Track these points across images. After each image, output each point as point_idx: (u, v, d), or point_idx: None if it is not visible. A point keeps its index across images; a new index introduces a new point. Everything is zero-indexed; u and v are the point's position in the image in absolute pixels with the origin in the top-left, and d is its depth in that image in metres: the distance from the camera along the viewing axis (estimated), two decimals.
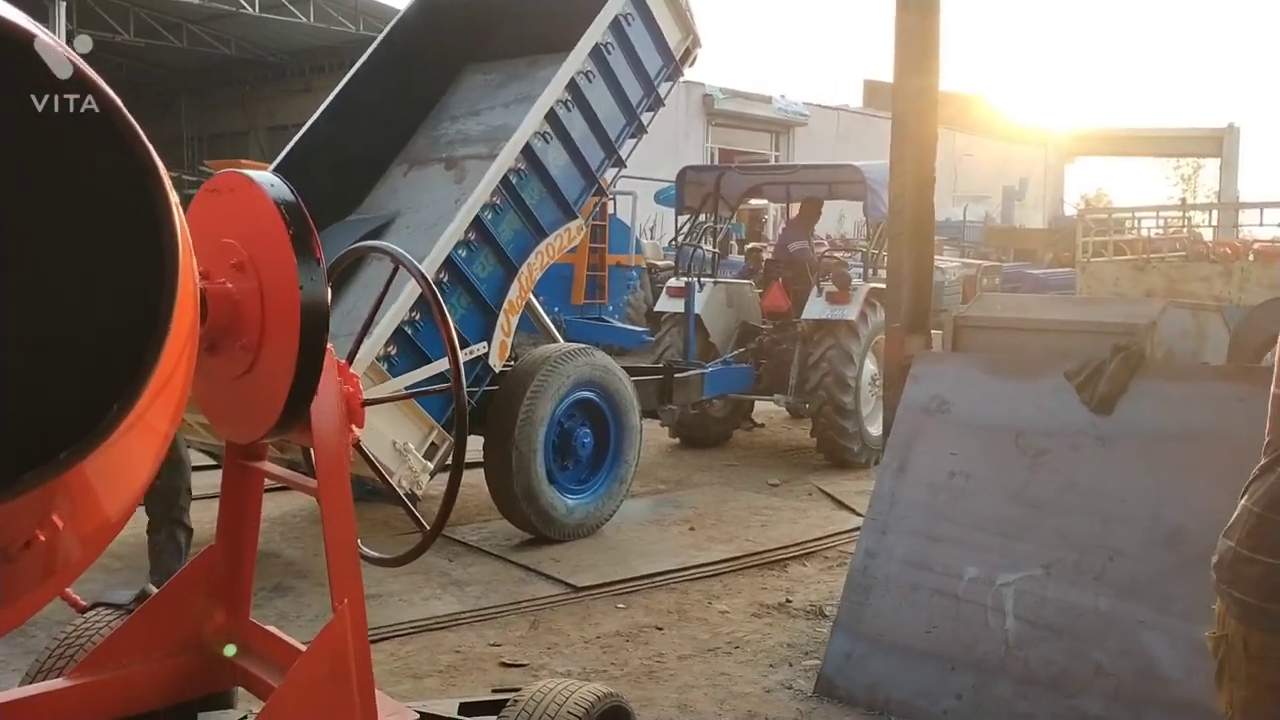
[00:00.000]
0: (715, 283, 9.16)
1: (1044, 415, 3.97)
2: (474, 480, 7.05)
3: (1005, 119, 34.74)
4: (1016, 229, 29.75)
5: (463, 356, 5.52)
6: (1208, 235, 17.25)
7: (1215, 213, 20.83)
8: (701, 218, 9.74)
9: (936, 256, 13.16)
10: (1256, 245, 15.77)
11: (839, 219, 22.81)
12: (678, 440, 9.24)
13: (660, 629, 4.83)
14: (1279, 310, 4.74)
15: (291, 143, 6.77)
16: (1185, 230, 16.15)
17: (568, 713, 2.33)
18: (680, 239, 9.90)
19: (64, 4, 18.10)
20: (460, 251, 5.70)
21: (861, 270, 9.25)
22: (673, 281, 9.26)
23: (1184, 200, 31.60)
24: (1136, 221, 15.72)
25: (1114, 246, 14.06)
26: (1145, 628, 3.38)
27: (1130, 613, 3.43)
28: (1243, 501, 1.92)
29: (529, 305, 6.52)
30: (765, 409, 10.30)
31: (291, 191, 2.22)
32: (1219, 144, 36.05)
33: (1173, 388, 3.71)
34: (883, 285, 8.98)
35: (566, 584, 5.40)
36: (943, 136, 5.26)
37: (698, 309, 8.73)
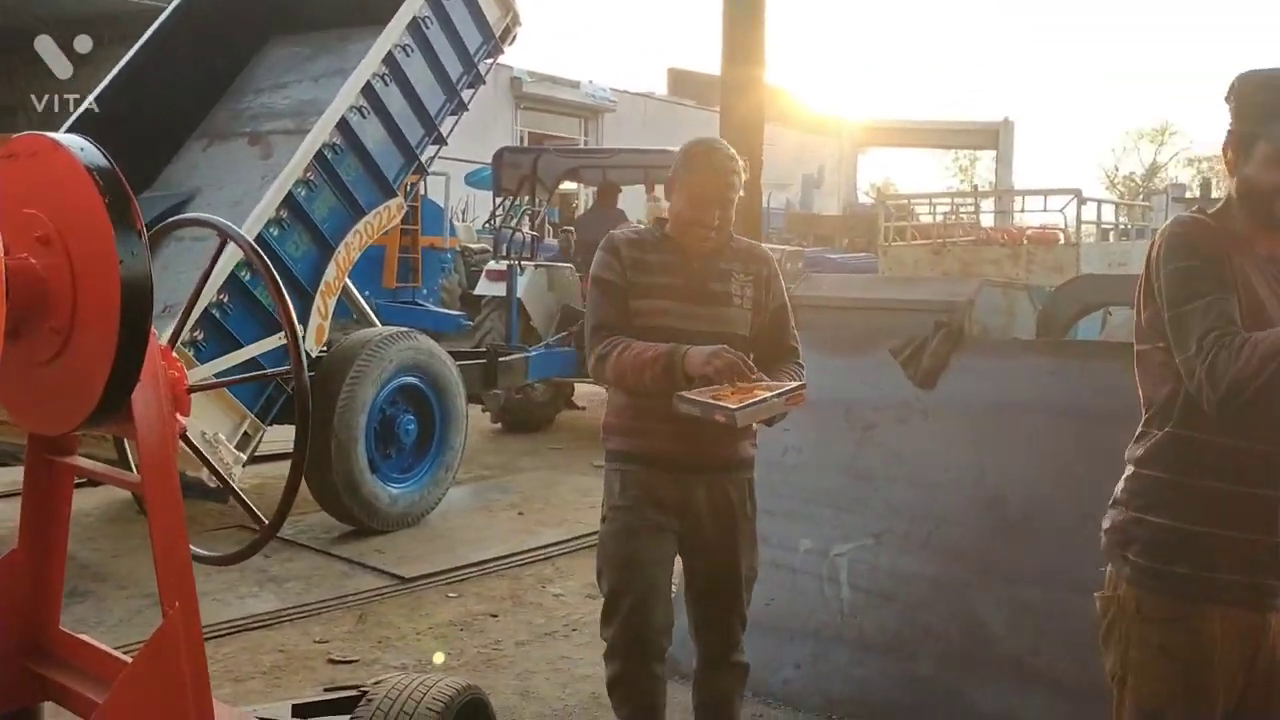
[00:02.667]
0: (535, 266, 9.06)
1: (870, 390, 4.10)
2: (283, 471, 6.75)
3: (805, 109, 35.99)
4: (816, 215, 30.93)
5: (275, 341, 5.30)
6: (986, 221, 18.46)
7: (995, 200, 22.30)
8: (519, 200, 9.61)
9: None
10: (1029, 232, 17.01)
11: (648, 204, 23.01)
12: (500, 425, 9.11)
13: (495, 616, 4.74)
14: (1081, 288, 5.12)
15: (72, 117, 6.24)
16: (969, 217, 17.19)
17: (426, 709, 2.21)
18: (499, 222, 9.74)
19: None
20: (272, 230, 5.40)
21: None
22: (492, 265, 9.11)
23: (975, 188, 33.65)
24: (933, 208, 16.61)
25: (910, 232, 14.82)
26: (971, 590, 3.55)
27: (956, 577, 3.58)
28: (1130, 464, 2.00)
29: (344, 288, 6.25)
30: (586, 391, 10.30)
31: (105, 156, 2.01)
32: (995, 137, 38.56)
33: (989, 362, 3.90)
34: None
35: (394, 575, 5.22)
36: None
37: (519, 293, 8.61)
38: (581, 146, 23.75)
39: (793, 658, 3.80)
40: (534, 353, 8.29)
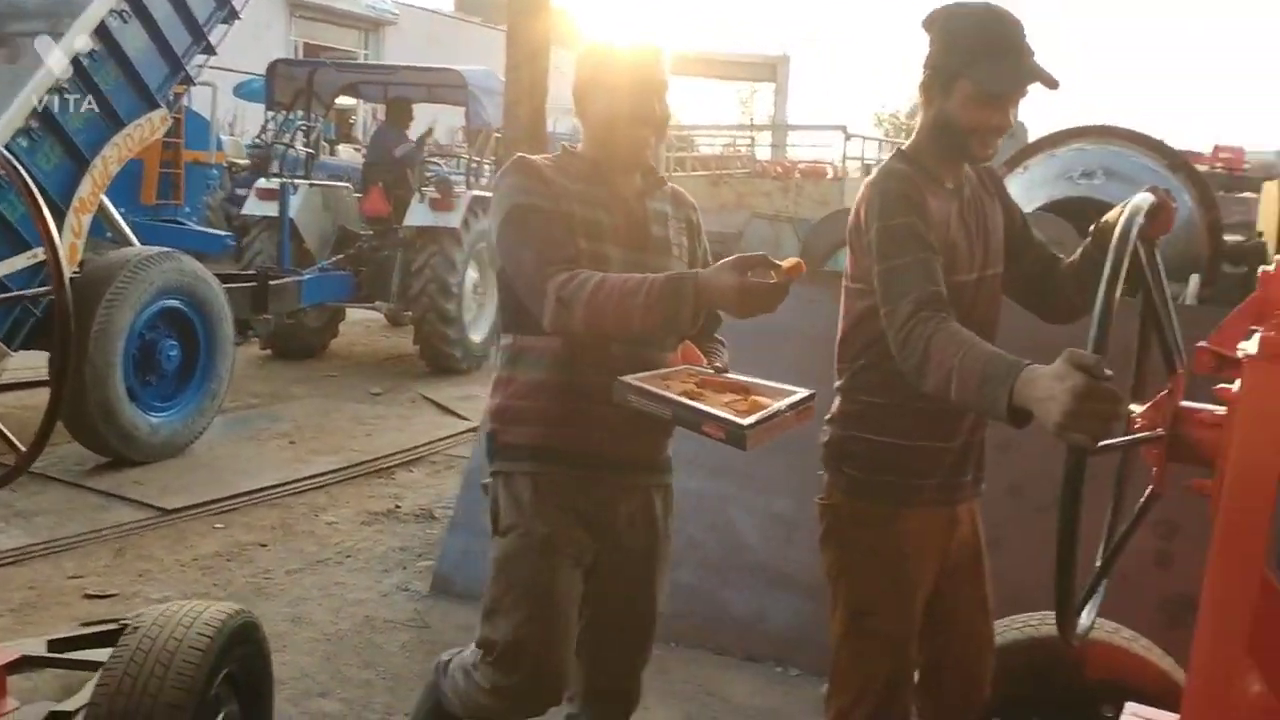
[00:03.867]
0: (310, 185, 8.72)
1: None
2: (35, 400, 6.33)
3: (589, 34, 35.72)
4: None
5: (25, 260, 4.94)
6: (761, 155, 19.12)
7: (771, 134, 23.09)
8: (293, 115, 9.21)
9: None
10: (801, 166, 17.79)
11: (430, 124, 22.44)
12: (269, 352, 8.80)
13: (264, 545, 4.66)
14: (839, 221, 5.46)
15: None
16: (745, 150, 17.78)
17: (197, 634, 2.19)
18: (270, 137, 9.30)
19: None
20: (20, 141, 5.00)
21: (464, 178, 9.23)
22: (262, 182, 8.69)
23: (752, 122, 34.72)
24: (712, 140, 17.08)
25: (691, 163, 15.20)
26: (729, 503, 3.80)
27: (718, 490, 3.83)
28: (840, 393, 2.17)
29: (100, 205, 5.85)
30: (361, 316, 10.10)
31: None
32: (774, 70, 39.59)
33: None
34: (486, 193, 9.08)
35: (155, 507, 5.01)
36: None
37: (291, 213, 8.30)
38: (361, 62, 22.79)
39: None
40: (307, 276, 8.04)
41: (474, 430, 6.66)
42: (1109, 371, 1.52)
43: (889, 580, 2.11)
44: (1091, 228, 2.14)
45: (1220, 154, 16.57)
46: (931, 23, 2.07)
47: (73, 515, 4.87)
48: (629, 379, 1.99)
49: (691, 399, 1.97)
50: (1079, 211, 5.53)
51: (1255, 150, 17.28)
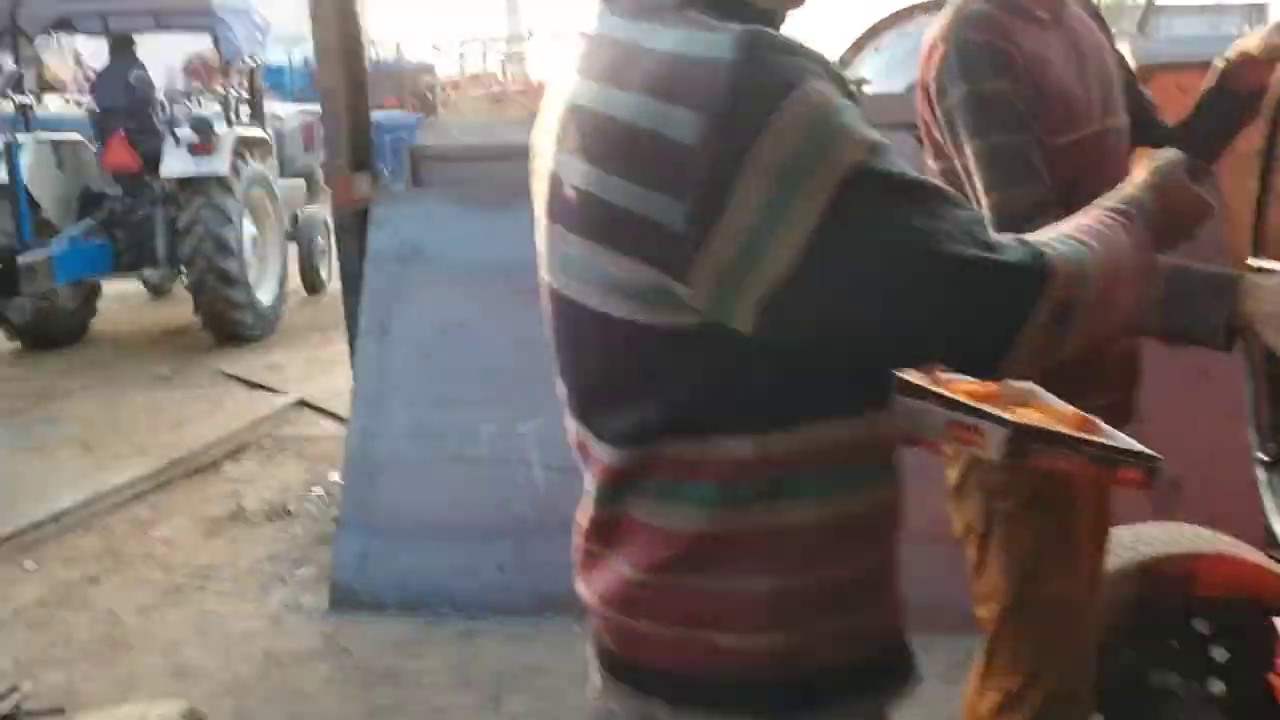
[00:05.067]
0: (38, 141, 7.33)
1: (527, 248, 3.66)
2: None
3: None
4: None
5: None
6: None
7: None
8: None
9: (269, 103, 12.12)
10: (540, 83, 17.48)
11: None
12: (19, 344, 7.44)
13: (95, 581, 3.81)
14: None
15: None
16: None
17: None
18: None
19: None
20: None
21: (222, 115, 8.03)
22: None
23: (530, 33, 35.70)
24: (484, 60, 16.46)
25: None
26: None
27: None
28: None
29: None
30: (114, 290, 8.75)
31: None
32: None
33: None
34: (250, 133, 7.99)
35: None
36: None
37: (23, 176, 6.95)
38: None
39: (493, 558, 3.40)
40: (58, 249, 6.80)
41: (301, 405, 5.86)
42: None
43: (1055, 531, 1.72)
44: (1219, 63, 1.78)
45: None
46: None
47: None
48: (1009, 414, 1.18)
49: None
50: None
51: None
